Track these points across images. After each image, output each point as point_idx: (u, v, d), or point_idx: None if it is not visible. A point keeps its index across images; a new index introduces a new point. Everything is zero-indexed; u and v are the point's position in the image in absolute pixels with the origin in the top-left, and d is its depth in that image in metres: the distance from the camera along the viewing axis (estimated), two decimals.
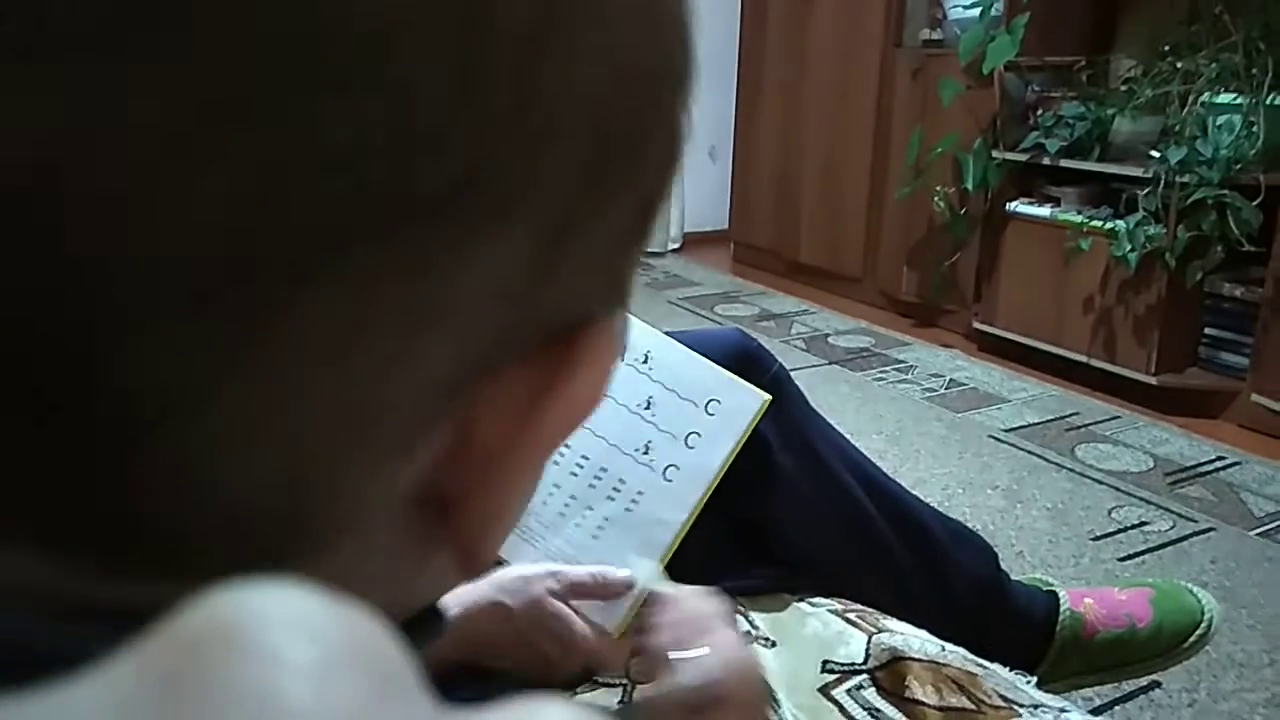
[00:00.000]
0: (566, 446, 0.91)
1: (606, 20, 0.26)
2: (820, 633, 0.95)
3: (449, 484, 0.28)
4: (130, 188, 0.20)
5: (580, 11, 0.25)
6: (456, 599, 0.78)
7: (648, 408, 0.92)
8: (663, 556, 0.85)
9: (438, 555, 0.31)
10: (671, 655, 0.69)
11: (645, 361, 0.94)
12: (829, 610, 0.98)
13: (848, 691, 0.89)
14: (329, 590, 0.21)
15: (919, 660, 0.93)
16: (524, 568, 0.85)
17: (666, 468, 0.89)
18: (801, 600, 1.00)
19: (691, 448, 0.89)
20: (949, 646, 0.96)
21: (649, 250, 4.35)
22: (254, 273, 0.22)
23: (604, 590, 0.83)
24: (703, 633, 0.72)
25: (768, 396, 0.91)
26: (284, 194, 0.21)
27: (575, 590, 0.82)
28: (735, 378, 0.92)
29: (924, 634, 0.97)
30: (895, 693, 0.90)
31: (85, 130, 0.20)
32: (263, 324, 0.23)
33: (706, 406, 0.91)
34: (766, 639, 0.94)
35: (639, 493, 0.89)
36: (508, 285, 0.26)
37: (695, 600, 0.76)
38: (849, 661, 0.92)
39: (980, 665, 0.95)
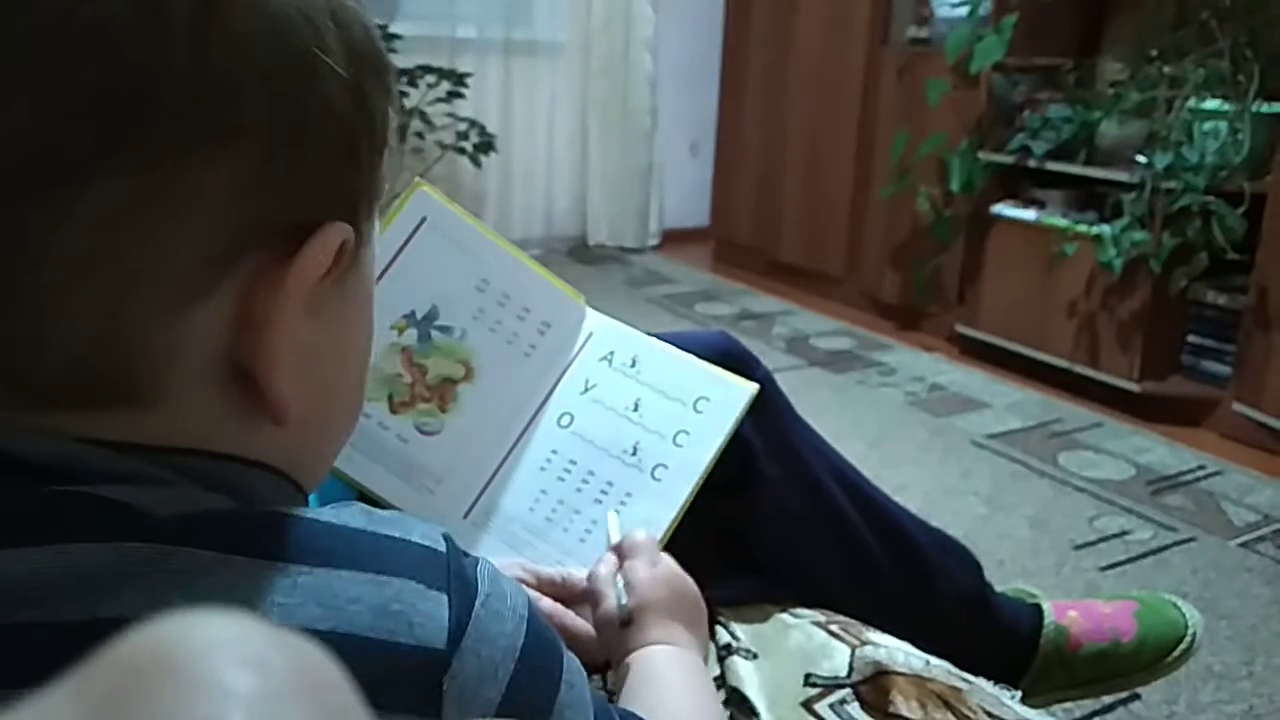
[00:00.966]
0: (554, 452, 0.90)
1: (267, 10, 0.39)
2: (803, 645, 0.93)
3: (242, 352, 0.41)
4: None
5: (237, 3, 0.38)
6: None
7: (635, 410, 0.90)
8: None
9: (260, 427, 0.43)
10: (591, 590, 0.78)
11: (633, 366, 0.92)
12: (812, 622, 0.96)
13: (830, 706, 0.87)
14: (172, 440, 0.41)
15: (903, 674, 0.91)
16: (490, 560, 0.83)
17: (655, 468, 0.88)
18: (784, 611, 0.97)
19: (680, 446, 0.88)
20: (933, 660, 0.94)
21: (626, 246, 4.36)
22: (55, 167, 0.36)
23: (566, 592, 0.82)
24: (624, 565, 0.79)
25: (755, 386, 0.90)
26: (57, 121, 0.36)
27: (543, 586, 0.82)
28: (722, 372, 0.91)
29: (908, 647, 0.95)
30: (879, 707, 0.88)
31: None
32: (67, 204, 0.36)
33: (695, 405, 0.89)
34: (748, 651, 0.92)
35: (627, 494, 0.87)
36: (239, 187, 0.39)
37: (630, 540, 0.81)
38: (832, 675, 0.90)
39: (965, 680, 0.93)
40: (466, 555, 0.46)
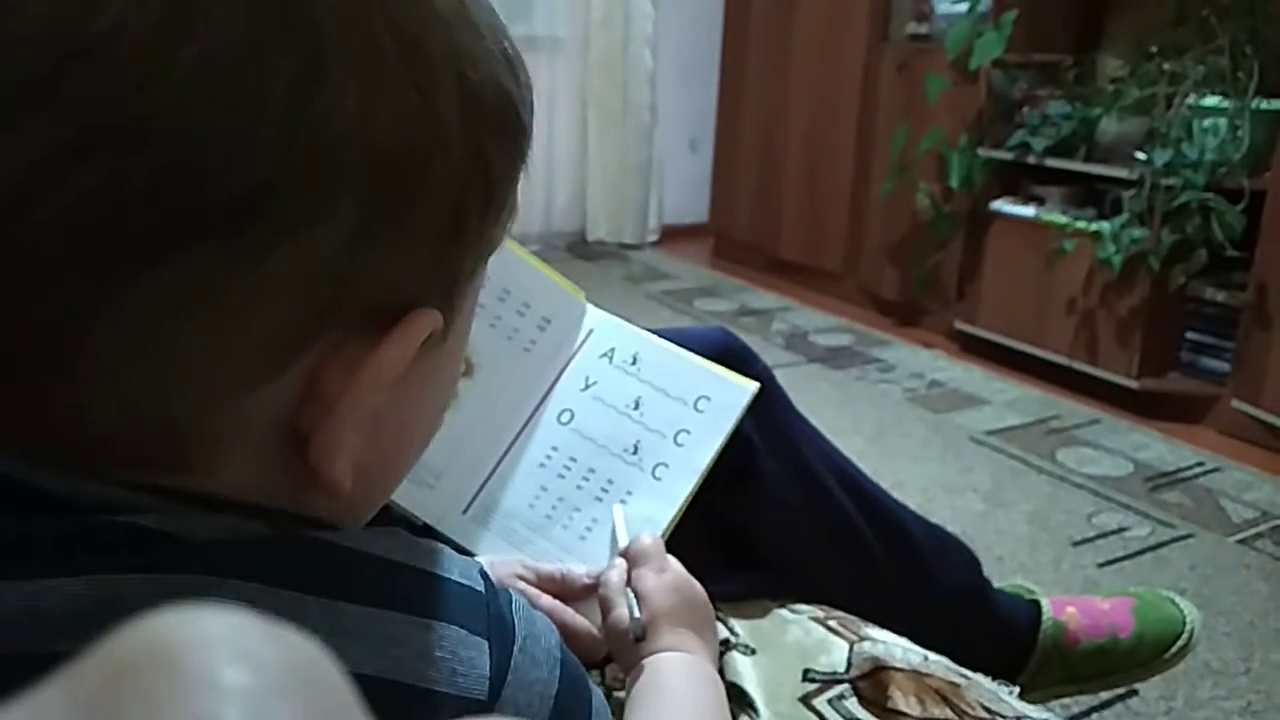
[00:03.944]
0: (554, 449, 0.90)
1: (373, 77, 0.34)
2: (801, 640, 0.93)
3: (303, 424, 0.38)
4: (15, 192, 0.31)
5: (348, 67, 0.33)
6: None
7: (636, 408, 0.90)
8: None
9: (312, 490, 0.40)
10: (602, 598, 0.77)
11: (634, 363, 0.92)
12: (810, 617, 0.96)
13: (829, 701, 0.88)
14: (227, 498, 0.38)
15: (901, 670, 0.91)
16: (491, 557, 0.83)
17: (655, 466, 0.88)
18: (783, 607, 0.98)
19: (681, 445, 0.88)
20: (932, 656, 0.94)
21: (625, 242, 4.36)
22: (107, 252, 0.32)
23: (566, 588, 0.81)
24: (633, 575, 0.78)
25: (756, 385, 0.90)
26: (124, 203, 0.31)
27: (542, 583, 0.81)
28: (724, 371, 0.91)
29: (906, 643, 0.95)
30: (877, 703, 0.88)
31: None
32: (120, 285, 0.32)
33: (696, 404, 0.89)
34: (747, 646, 0.92)
35: (627, 492, 0.87)
36: (326, 270, 0.35)
37: (637, 546, 0.80)
38: (831, 670, 0.90)
39: (963, 675, 0.93)
40: (500, 591, 0.45)
